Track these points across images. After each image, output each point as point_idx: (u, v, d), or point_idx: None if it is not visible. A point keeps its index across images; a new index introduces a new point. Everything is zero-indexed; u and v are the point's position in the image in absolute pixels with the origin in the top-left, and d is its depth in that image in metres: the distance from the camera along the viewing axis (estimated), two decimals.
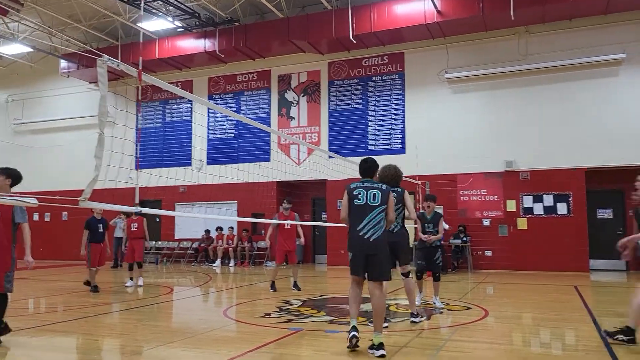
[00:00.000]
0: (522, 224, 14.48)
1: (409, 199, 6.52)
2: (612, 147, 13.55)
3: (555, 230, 14.01)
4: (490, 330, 6.36)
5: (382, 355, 4.70)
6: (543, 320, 7.05)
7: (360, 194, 5.15)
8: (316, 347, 5.24)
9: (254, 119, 15.36)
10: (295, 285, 10.00)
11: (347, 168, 12.60)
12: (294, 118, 17.39)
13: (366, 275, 5.08)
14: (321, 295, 9.27)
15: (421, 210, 8.33)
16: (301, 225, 10.43)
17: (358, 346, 4.92)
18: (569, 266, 13.61)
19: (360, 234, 5.05)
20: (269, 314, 7.21)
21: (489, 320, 6.84)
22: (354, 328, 4.92)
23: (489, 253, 14.62)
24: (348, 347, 4.90)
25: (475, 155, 14.82)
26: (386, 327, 5.76)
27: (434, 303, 7.70)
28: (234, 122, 17.98)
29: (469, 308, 7.76)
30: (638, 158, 13.12)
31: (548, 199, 14.32)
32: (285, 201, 10.10)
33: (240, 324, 6.74)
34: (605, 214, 14.42)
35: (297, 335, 5.84)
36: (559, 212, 14.14)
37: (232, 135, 18.11)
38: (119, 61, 4.47)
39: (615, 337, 5.17)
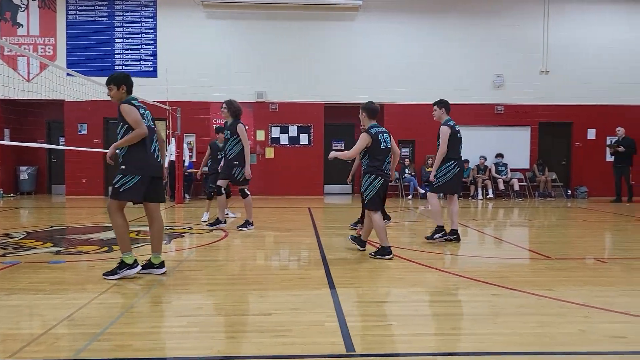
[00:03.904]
0: (269, 152, 15.42)
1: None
2: (346, 85, 15.20)
3: (298, 159, 15.35)
4: (227, 249, 6.68)
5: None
6: (277, 236, 7.76)
7: None
8: (32, 279, 4.73)
9: None
10: None
11: (90, 89, 11.34)
12: (22, 25, 14.67)
13: None
14: (52, 227, 8.40)
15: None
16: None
17: None
18: (308, 191, 15.21)
19: None
20: None
21: (227, 241, 7.17)
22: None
23: None
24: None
25: (228, 84, 14.93)
26: None
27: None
28: None
29: (210, 231, 8.02)
30: (365, 97, 15.02)
31: (293, 130, 15.49)
32: None
33: None
34: (339, 144, 16.33)
35: (13, 269, 5.17)
36: (301, 143, 15.45)
37: None
38: None
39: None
